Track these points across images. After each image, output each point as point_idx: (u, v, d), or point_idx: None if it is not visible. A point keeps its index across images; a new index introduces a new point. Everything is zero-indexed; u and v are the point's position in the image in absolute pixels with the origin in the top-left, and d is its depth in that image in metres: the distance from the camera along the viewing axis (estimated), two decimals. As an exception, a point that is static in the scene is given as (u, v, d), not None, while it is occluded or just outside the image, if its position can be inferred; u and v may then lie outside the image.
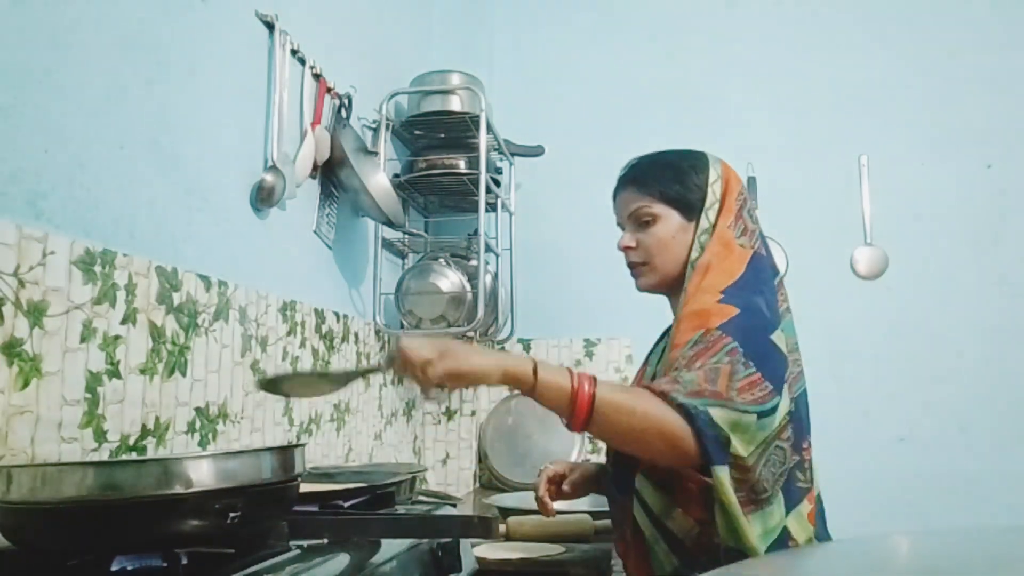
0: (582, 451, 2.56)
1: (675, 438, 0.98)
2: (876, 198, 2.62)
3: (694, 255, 1.19)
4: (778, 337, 1.11)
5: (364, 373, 1.23)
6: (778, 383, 1.06)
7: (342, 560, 0.89)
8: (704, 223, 1.20)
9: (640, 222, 1.23)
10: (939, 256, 2.57)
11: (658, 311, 1.34)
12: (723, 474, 0.99)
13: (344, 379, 1.20)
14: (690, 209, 1.21)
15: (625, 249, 1.25)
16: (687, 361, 1.05)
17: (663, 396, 1.00)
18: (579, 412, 1.01)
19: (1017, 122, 2.59)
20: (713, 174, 1.23)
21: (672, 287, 1.23)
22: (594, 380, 1.02)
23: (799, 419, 1.12)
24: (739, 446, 1.00)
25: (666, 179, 1.22)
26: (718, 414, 0.98)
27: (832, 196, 2.64)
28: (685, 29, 2.80)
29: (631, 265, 1.26)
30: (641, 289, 1.27)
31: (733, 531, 1.02)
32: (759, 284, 1.16)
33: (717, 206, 1.21)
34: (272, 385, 1.25)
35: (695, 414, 0.98)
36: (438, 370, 0.99)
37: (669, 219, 1.21)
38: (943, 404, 2.50)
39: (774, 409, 1.04)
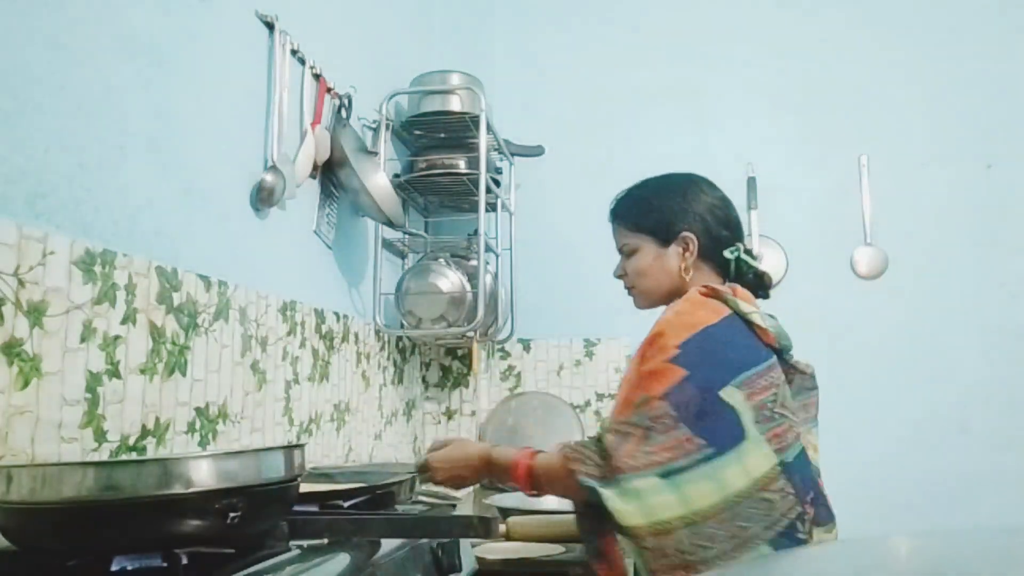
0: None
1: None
2: (876, 198, 2.62)
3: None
4: (728, 393, 1.16)
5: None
6: (719, 438, 1.13)
7: (342, 560, 0.89)
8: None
9: (625, 253, 1.39)
10: (939, 256, 2.57)
11: (658, 312, 1.35)
12: (624, 544, 1.17)
13: None
14: (663, 234, 1.34)
15: (618, 277, 1.41)
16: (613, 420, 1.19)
17: (571, 475, 1.14)
18: (523, 485, 1.25)
19: (1017, 122, 2.59)
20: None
21: (666, 302, 1.34)
22: (532, 456, 1.26)
23: (793, 474, 1.15)
24: (632, 517, 1.08)
25: (637, 211, 1.38)
26: (606, 494, 1.10)
27: (832, 196, 2.64)
28: (685, 29, 2.80)
29: (626, 289, 1.41)
30: (638, 307, 1.41)
31: None
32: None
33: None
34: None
35: (595, 497, 1.11)
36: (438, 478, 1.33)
37: (645, 248, 1.35)
38: (943, 404, 2.50)
39: (705, 460, 1.10)
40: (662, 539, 1.07)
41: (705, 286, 1.27)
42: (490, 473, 1.32)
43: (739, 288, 1.31)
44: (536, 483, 1.23)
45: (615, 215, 1.41)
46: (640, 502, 1.08)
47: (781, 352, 1.26)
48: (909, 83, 2.65)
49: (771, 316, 1.29)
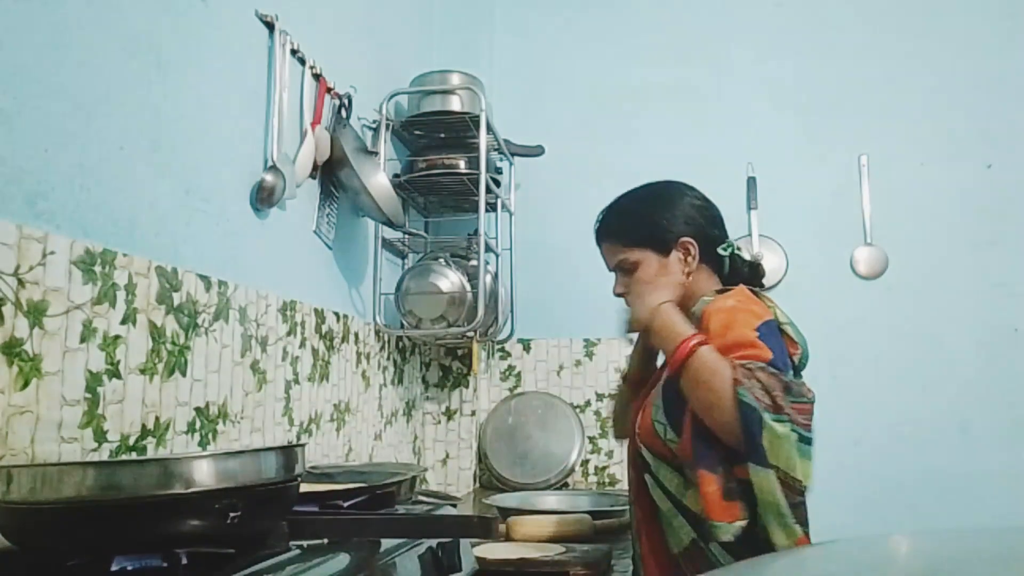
0: (582, 451, 2.57)
1: (726, 428, 1.10)
2: (876, 198, 2.62)
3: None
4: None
5: None
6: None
7: (342, 560, 0.89)
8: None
9: (625, 269, 1.36)
10: (939, 256, 2.57)
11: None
12: (757, 476, 1.08)
13: None
14: (662, 244, 1.34)
15: (619, 295, 1.38)
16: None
17: (736, 384, 1.09)
18: (675, 360, 1.16)
19: (1017, 122, 2.59)
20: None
21: None
22: (704, 342, 1.15)
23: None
24: (777, 457, 1.07)
25: (629, 226, 1.37)
26: (770, 423, 1.07)
27: (832, 196, 2.64)
28: (685, 29, 2.80)
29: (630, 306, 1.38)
30: None
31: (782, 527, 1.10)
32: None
33: None
34: None
35: (751, 417, 1.07)
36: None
37: (647, 261, 1.34)
38: (943, 404, 2.50)
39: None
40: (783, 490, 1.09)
41: (751, 288, 1.30)
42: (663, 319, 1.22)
43: (772, 299, 1.33)
44: (686, 366, 1.15)
45: (606, 234, 1.40)
46: (783, 446, 1.07)
47: (796, 370, 1.27)
48: (909, 83, 2.65)
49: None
